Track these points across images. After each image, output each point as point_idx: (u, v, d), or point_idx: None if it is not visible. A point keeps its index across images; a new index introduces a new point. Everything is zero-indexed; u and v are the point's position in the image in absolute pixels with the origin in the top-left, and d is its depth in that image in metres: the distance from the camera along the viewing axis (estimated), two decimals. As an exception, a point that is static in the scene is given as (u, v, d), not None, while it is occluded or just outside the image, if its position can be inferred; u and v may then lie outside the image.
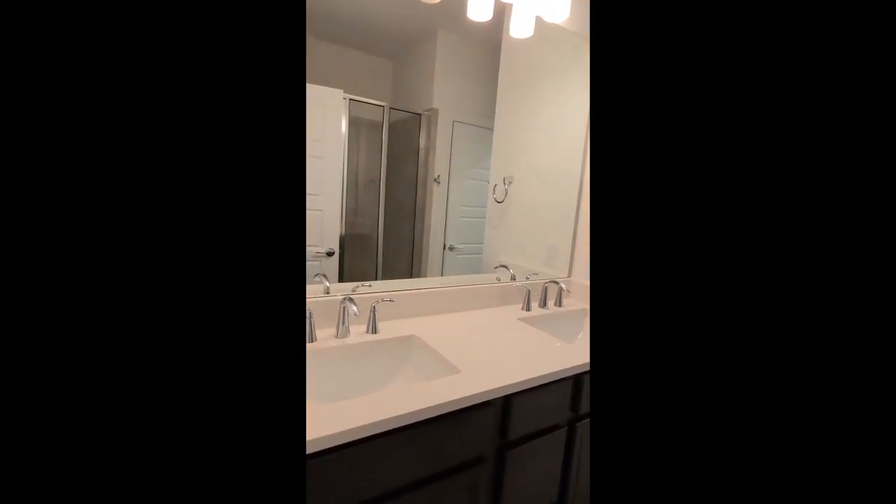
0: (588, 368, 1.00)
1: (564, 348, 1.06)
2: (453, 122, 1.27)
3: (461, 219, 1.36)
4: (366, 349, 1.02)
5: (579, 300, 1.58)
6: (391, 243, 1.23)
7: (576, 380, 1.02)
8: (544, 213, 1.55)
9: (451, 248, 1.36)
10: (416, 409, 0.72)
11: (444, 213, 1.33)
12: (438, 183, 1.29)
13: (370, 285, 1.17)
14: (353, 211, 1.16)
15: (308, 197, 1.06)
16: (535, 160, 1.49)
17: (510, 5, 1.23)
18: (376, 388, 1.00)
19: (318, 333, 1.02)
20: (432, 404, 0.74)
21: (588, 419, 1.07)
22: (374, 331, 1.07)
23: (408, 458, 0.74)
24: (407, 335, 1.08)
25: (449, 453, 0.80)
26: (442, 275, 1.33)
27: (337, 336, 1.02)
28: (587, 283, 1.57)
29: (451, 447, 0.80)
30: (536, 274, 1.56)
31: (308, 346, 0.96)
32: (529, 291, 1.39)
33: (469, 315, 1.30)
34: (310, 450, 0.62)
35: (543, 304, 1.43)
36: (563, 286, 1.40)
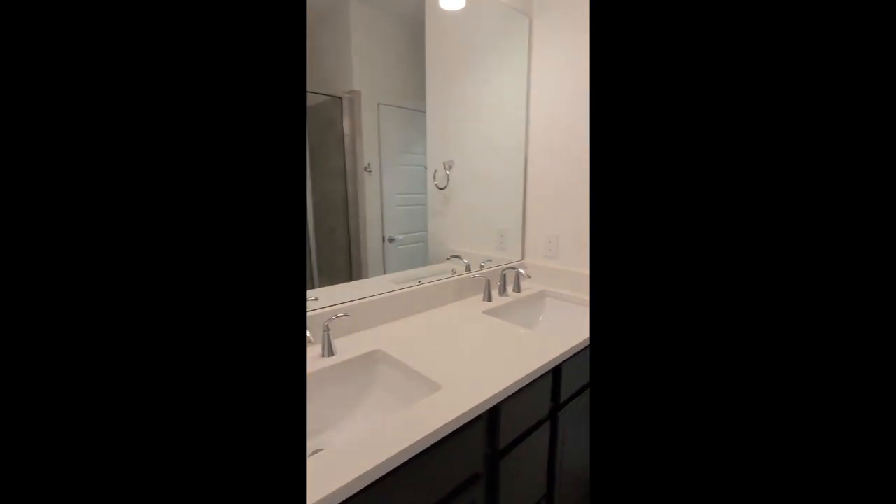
0: (564, 357, 0.97)
1: (538, 339, 1.02)
2: (378, 104, 1.14)
3: (399, 208, 1.24)
4: (326, 376, 0.88)
5: (536, 282, 1.57)
6: (324, 241, 1.08)
7: (555, 371, 0.99)
8: (490, 196, 1.49)
9: (392, 240, 1.24)
10: (408, 444, 0.62)
11: (380, 203, 1.20)
12: (370, 172, 1.15)
13: (316, 298, 1.02)
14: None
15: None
16: (475, 142, 1.41)
17: (440, -29, 1.11)
18: (348, 422, 0.88)
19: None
20: (421, 436, 0.64)
21: (568, 404, 1.05)
22: (331, 352, 0.93)
23: (400, 501, 0.64)
24: (369, 351, 0.96)
25: (443, 480, 0.72)
26: (385, 270, 1.21)
27: (289, 367, 0.86)
28: (541, 263, 1.55)
29: (445, 473, 0.72)
30: (490, 260, 1.51)
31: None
32: (489, 281, 1.33)
33: (432, 315, 1.21)
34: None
35: (503, 291, 1.39)
36: (522, 271, 1.36)
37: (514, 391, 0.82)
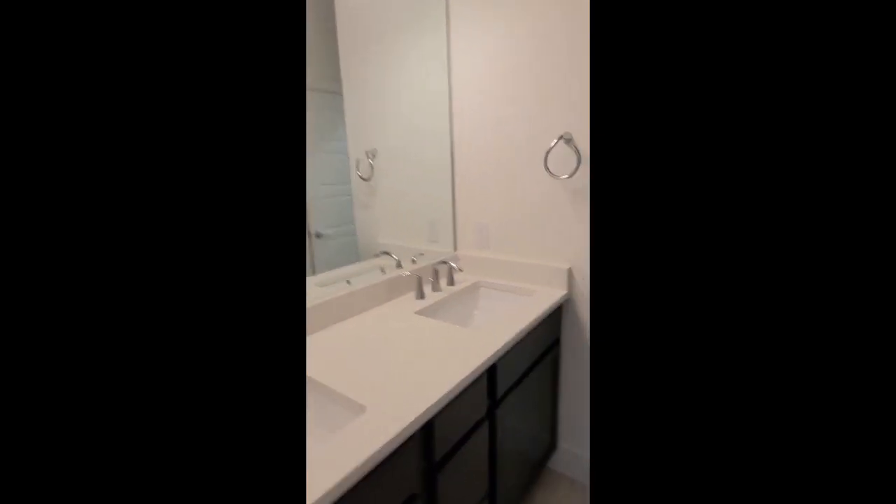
0: (500, 353, 0.94)
1: (472, 337, 0.98)
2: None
3: (324, 200, 1.13)
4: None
5: (469, 273, 1.54)
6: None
7: (490, 370, 0.96)
8: (418, 186, 1.42)
9: (319, 236, 1.13)
10: (330, 486, 0.55)
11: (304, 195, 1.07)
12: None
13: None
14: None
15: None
16: (398, 129, 1.32)
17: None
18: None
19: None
20: (344, 474, 0.57)
21: (506, 398, 1.04)
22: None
23: (326, 549, 0.57)
24: (289, 371, 0.86)
25: (375, 512, 0.66)
26: (314, 269, 1.10)
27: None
28: (474, 254, 1.52)
29: (378, 502, 0.66)
30: (423, 254, 1.44)
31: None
32: (420, 278, 1.27)
33: (360, 321, 1.13)
34: None
35: (436, 286, 1.34)
36: (453, 265, 1.32)
37: (448, 401, 0.78)
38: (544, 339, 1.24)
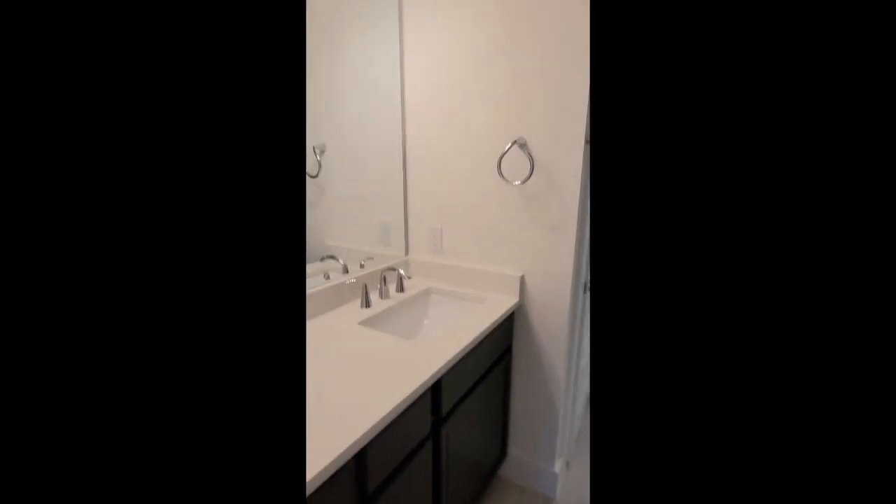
0: (447, 367, 0.90)
1: (417, 351, 0.93)
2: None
3: None
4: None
5: (421, 278, 1.48)
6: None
7: (434, 386, 0.92)
8: (369, 185, 1.34)
9: None
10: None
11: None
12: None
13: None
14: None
15: None
16: (349, 125, 1.23)
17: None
18: None
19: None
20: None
21: (456, 409, 1.00)
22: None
23: None
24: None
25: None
26: None
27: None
28: (427, 259, 1.47)
29: (299, 547, 0.59)
30: (372, 258, 1.37)
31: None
32: (366, 285, 1.20)
33: (297, 332, 1.04)
34: None
35: (385, 294, 1.27)
36: (402, 272, 1.26)
37: (385, 425, 0.72)
38: (496, 347, 1.21)
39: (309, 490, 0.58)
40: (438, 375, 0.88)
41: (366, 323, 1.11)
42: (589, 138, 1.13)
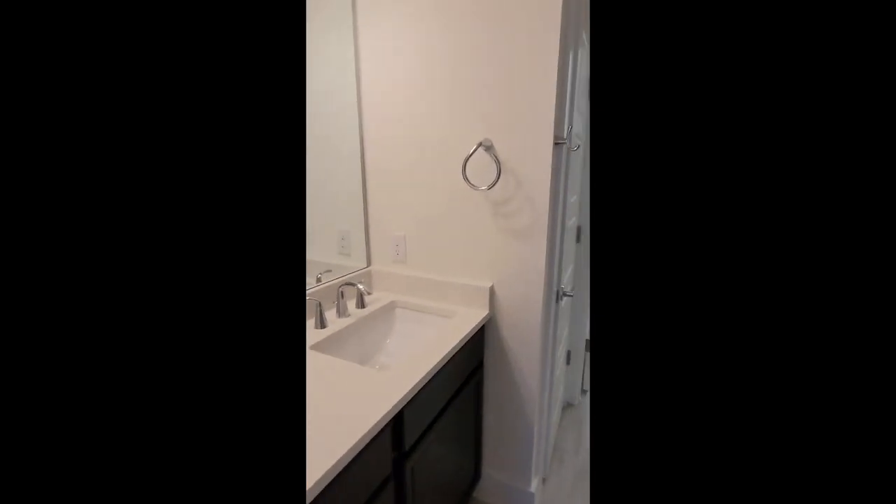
0: (409, 396, 0.80)
1: (377, 378, 0.83)
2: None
3: None
4: None
5: (384, 292, 1.38)
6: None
7: (396, 419, 0.81)
8: (327, 194, 1.23)
9: None
10: None
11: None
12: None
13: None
14: None
15: None
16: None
17: None
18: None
19: None
20: None
21: (423, 438, 0.90)
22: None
23: None
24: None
25: None
26: None
27: None
28: (391, 269, 1.36)
29: None
30: (330, 270, 1.25)
31: None
32: (320, 304, 1.08)
33: (240, 361, 0.91)
34: None
35: (343, 311, 1.16)
36: (361, 286, 1.15)
37: (335, 474, 0.62)
38: (467, 364, 1.12)
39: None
40: (400, 406, 0.78)
41: (318, 347, 0.99)
42: (561, 140, 1.06)
